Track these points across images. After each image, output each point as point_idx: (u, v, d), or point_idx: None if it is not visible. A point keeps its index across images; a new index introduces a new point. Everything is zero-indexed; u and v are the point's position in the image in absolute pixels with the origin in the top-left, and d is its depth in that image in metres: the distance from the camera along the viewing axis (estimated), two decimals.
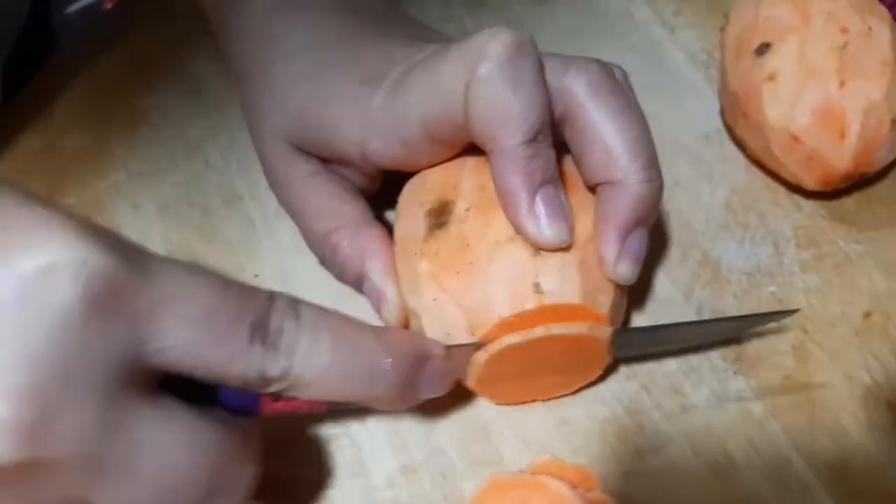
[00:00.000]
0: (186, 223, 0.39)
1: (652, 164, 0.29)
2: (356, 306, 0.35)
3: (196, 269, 0.24)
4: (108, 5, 0.49)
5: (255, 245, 0.38)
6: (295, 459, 0.32)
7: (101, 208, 0.40)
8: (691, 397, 0.32)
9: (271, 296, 0.26)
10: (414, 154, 0.31)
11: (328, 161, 0.33)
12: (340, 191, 0.33)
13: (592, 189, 0.30)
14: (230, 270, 0.37)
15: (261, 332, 0.24)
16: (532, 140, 0.27)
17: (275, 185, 0.35)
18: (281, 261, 0.37)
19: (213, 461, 0.24)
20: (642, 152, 0.28)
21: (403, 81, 0.30)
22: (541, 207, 0.28)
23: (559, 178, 0.29)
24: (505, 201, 0.28)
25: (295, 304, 0.26)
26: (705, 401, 0.32)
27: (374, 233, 0.32)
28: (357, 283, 0.33)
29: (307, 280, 0.36)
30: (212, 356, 0.24)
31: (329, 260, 0.33)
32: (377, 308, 0.32)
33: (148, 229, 0.39)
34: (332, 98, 0.32)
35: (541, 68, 0.28)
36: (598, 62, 0.29)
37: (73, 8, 0.49)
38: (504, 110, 0.27)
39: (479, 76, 0.27)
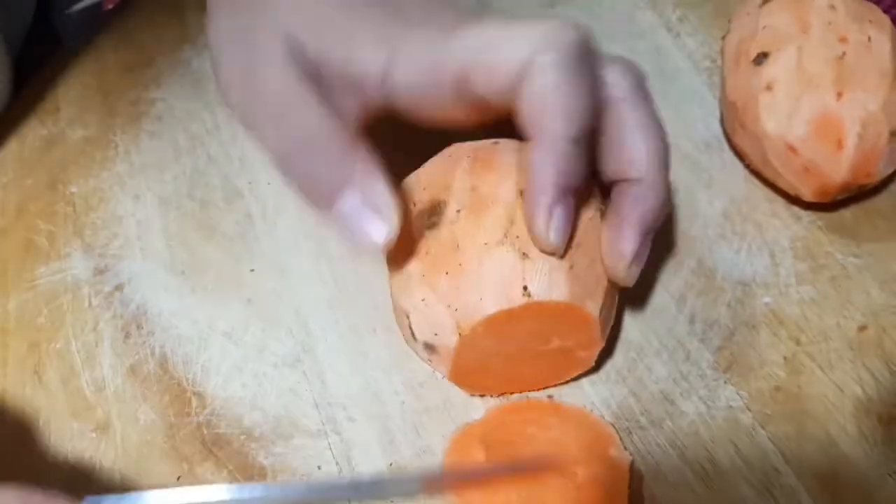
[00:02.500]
0: (186, 216, 0.39)
1: (668, 173, 0.30)
2: (353, 304, 0.36)
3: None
4: (109, 6, 0.50)
5: (253, 240, 0.38)
6: (285, 455, 0.32)
7: (103, 199, 0.40)
8: (680, 405, 0.32)
9: None
10: (429, 101, 0.29)
11: (325, 83, 0.30)
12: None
13: (609, 184, 0.30)
14: (228, 264, 0.37)
15: None
16: (577, 140, 0.28)
17: (249, 93, 0.31)
18: (277, 257, 0.37)
19: None
20: (667, 158, 0.29)
21: (457, 27, 0.28)
22: (558, 213, 0.28)
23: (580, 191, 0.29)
24: (530, 192, 0.28)
25: None
26: (694, 408, 0.32)
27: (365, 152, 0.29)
28: (328, 198, 0.29)
29: (303, 276, 0.37)
30: None
31: (301, 170, 0.30)
32: (364, 231, 0.28)
33: (148, 221, 0.39)
34: (366, 17, 0.29)
35: (597, 72, 0.28)
36: (635, 64, 0.30)
37: (74, 8, 0.49)
38: (560, 103, 0.27)
39: (546, 62, 0.27)
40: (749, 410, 0.32)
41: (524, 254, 0.29)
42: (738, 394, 0.32)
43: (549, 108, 0.27)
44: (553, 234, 0.28)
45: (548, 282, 0.28)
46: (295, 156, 0.30)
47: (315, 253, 0.37)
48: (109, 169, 0.41)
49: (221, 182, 0.40)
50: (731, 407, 0.32)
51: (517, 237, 0.29)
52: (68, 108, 0.44)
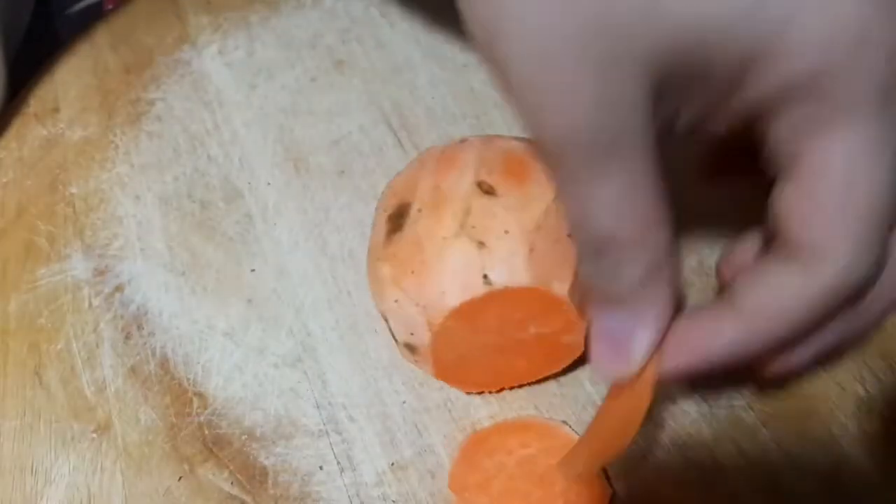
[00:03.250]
0: (186, 216, 0.39)
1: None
2: (353, 304, 0.36)
3: None
4: (109, 6, 0.50)
5: (253, 240, 0.38)
6: (286, 455, 0.32)
7: (103, 199, 0.40)
8: (682, 403, 0.32)
9: None
10: None
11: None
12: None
13: None
14: (228, 264, 0.37)
15: None
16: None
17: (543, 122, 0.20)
18: (277, 257, 0.37)
19: None
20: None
21: None
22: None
23: None
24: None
25: None
26: (696, 407, 0.32)
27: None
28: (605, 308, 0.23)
29: (303, 276, 0.37)
30: None
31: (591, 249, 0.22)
32: (608, 358, 0.24)
33: (148, 221, 0.39)
34: None
35: None
36: None
37: (74, 8, 0.49)
38: None
39: None
40: (751, 409, 0.32)
41: (481, 243, 0.28)
42: (740, 393, 0.32)
43: None
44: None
45: (507, 268, 0.28)
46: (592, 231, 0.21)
47: (315, 253, 0.37)
48: (109, 169, 0.41)
49: (221, 182, 0.40)
50: (733, 406, 0.32)
51: (473, 227, 0.28)
52: (68, 109, 0.44)
